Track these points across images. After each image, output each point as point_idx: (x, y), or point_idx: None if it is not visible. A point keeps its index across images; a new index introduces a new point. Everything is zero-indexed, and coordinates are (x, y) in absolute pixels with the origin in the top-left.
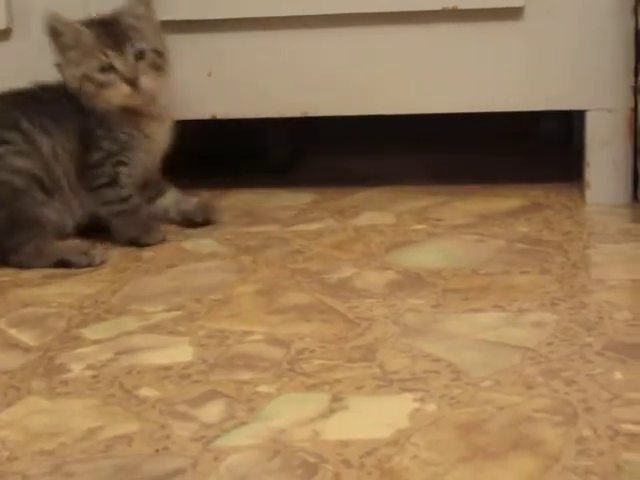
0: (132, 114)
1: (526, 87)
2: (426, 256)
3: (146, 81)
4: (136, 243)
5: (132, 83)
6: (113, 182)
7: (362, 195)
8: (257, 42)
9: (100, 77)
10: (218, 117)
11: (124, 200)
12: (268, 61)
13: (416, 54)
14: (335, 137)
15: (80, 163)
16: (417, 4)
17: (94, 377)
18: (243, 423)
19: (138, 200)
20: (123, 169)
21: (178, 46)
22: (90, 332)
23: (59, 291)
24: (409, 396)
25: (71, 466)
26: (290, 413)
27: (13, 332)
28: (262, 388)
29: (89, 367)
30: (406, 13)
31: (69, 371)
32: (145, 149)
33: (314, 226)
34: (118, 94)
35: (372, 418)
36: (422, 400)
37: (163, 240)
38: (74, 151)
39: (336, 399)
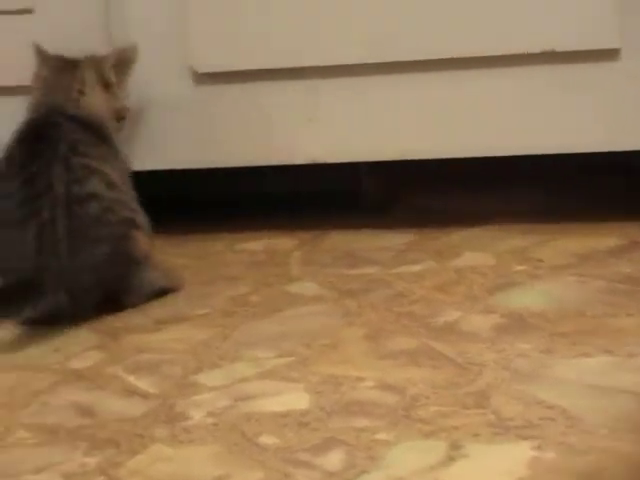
0: None
1: (623, 127)
2: (529, 298)
3: None
4: None
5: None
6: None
7: (460, 235)
8: (356, 87)
9: None
10: (318, 161)
11: None
12: (366, 106)
13: (513, 96)
14: (431, 176)
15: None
16: (516, 47)
17: (215, 425)
18: (365, 472)
19: None
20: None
21: (277, 93)
22: (206, 379)
23: (171, 337)
24: (526, 444)
25: None
26: (410, 461)
27: (131, 379)
28: (380, 436)
29: (209, 414)
30: (504, 57)
31: (190, 418)
32: None
33: (415, 268)
34: None
35: (492, 466)
36: (539, 448)
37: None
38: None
39: (454, 447)
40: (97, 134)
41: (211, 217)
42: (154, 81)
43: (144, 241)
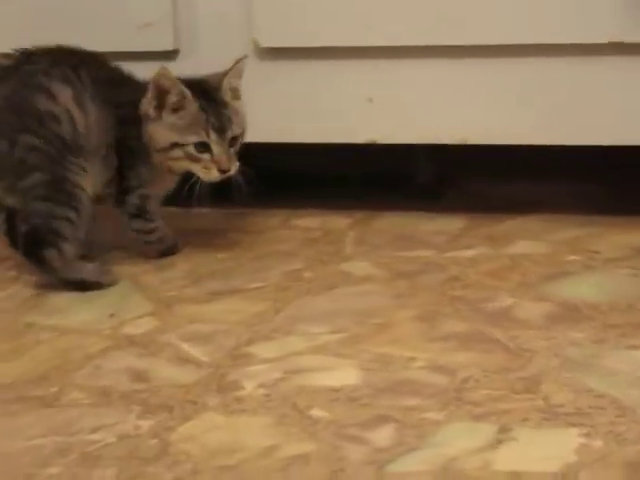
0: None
1: None
2: (582, 289)
3: (234, 169)
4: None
5: (224, 172)
6: (140, 215)
7: (514, 223)
8: (418, 69)
9: (195, 154)
10: (378, 142)
11: (149, 232)
12: (428, 88)
13: (579, 86)
14: (487, 162)
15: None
16: (584, 37)
17: (267, 396)
18: (414, 449)
19: (163, 230)
20: (149, 201)
21: (339, 71)
22: (258, 350)
23: (224, 308)
24: (575, 431)
25: None
26: (459, 441)
27: (184, 347)
28: (430, 415)
29: (261, 385)
30: (571, 45)
31: (242, 388)
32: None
33: (468, 253)
34: (206, 174)
35: (540, 451)
36: (588, 435)
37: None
38: (110, 138)
39: (503, 430)
40: None
41: (265, 193)
42: (219, 55)
43: (81, 171)
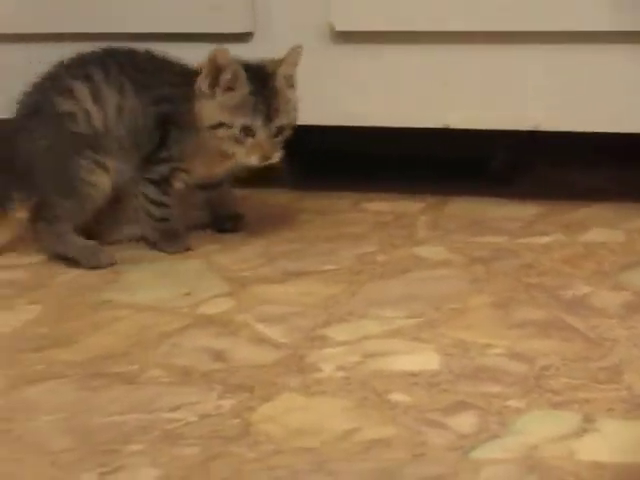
0: None
1: None
2: None
3: (276, 158)
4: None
5: (265, 159)
6: (161, 184)
7: (589, 210)
8: (493, 54)
9: (239, 136)
10: (451, 127)
11: (158, 205)
12: (503, 74)
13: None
14: (561, 149)
15: (142, 142)
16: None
17: (346, 379)
18: (496, 436)
19: (170, 213)
20: (178, 176)
21: (414, 56)
22: (335, 333)
23: (299, 290)
24: None
25: (334, 465)
26: (542, 429)
27: (261, 327)
28: (511, 402)
29: (339, 368)
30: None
31: (320, 371)
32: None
33: (543, 240)
34: (246, 159)
35: (625, 442)
36: None
37: (186, 250)
38: (140, 124)
39: (587, 420)
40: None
41: (335, 175)
42: (293, 39)
43: (94, 168)
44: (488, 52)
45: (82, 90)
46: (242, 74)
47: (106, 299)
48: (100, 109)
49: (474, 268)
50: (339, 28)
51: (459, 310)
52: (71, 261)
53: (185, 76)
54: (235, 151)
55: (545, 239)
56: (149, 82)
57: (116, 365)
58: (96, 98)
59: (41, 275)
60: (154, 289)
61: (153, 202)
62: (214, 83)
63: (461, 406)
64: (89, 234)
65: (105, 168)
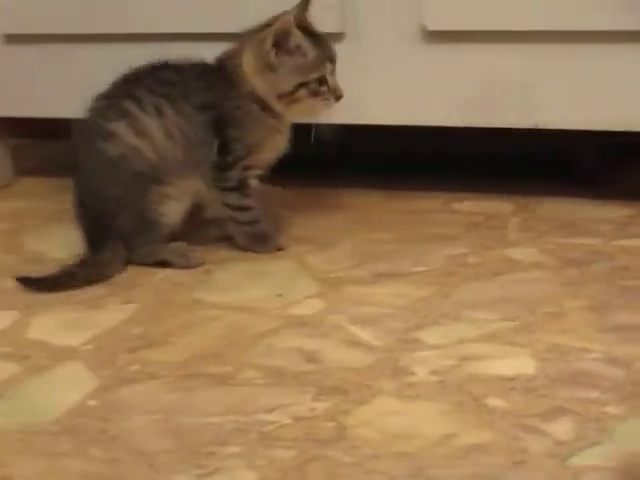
0: (270, 117)
1: None
2: None
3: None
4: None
5: (338, 98)
6: (240, 188)
7: None
8: (582, 54)
9: (317, 88)
10: (540, 127)
11: (243, 210)
12: (592, 74)
13: None
14: None
15: (202, 151)
16: None
17: (441, 382)
18: (596, 443)
19: (257, 214)
20: (252, 173)
21: (503, 55)
22: (428, 336)
23: (390, 291)
24: None
25: (432, 470)
26: None
27: (353, 330)
28: (609, 409)
29: (434, 372)
30: None
31: (414, 374)
32: (272, 150)
33: (638, 242)
34: (325, 106)
35: None
36: None
37: (277, 251)
38: (192, 137)
39: None
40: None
41: (424, 175)
42: (384, 39)
43: (162, 199)
44: (577, 52)
45: (122, 128)
46: (306, 39)
47: (199, 299)
48: (147, 140)
49: (567, 271)
50: (431, 28)
51: (554, 314)
52: (163, 263)
53: (212, 73)
54: (315, 104)
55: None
56: (182, 93)
57: (210, 366)
58: (138, 131)
59: (133, 275)
60: (246, 289)
61: (237, 208)
62: (281, 51)
63: (558, 412)
64: (178, 235)
65: (172, 197)
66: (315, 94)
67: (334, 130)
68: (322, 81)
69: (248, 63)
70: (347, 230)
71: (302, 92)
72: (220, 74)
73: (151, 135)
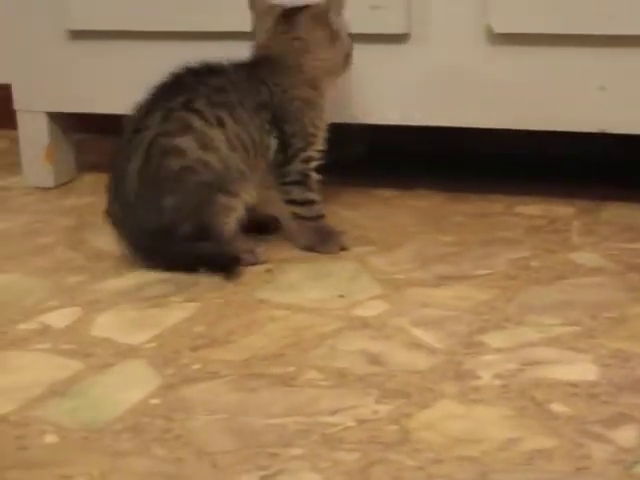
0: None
1: None
2: None
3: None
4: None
5: (348, 55)
6: (303, 181)
7: None
8: None
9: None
10: (607, 131)
11: (309, 204)
12: None
13: None
14: None
15: (259, 155)
16: None
17: (504, 387)
18: None
19: (321, 208)
20: (312, 165)
21: (572, 58)
22: (491, 339)
23: (453, 294)
24: None
25: (495, 475)
26: None
27: (417, 332)
28: None
29: (497, 376)
30: None
31: (478, 378)
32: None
33: None
34: (347, 67)
35: None
36: None
37: (341, 250)
38: (249, 145)
39: None
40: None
41: (486, 177)
42: (449, 41)
43: (227, 209)
44: None
45: (187, 144)
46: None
47: (261, 299)
48: (212, 153)
49: (630, 276)
50: (497, 30)
51: (616, 319)
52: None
53: (257, 71)
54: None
55: None
56: (237, 99)
57: (272, 366)
58: (205, 146)
59: (196, 273)
60: (308, 290)
61: (302, 203)
62: (333, 36)
63: (622, 419)
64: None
65: (236, 209)
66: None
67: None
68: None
69: (308, 43)
70: (409, 231)
71: (349, 59)
72: (267, 69)
73: (217, 148)
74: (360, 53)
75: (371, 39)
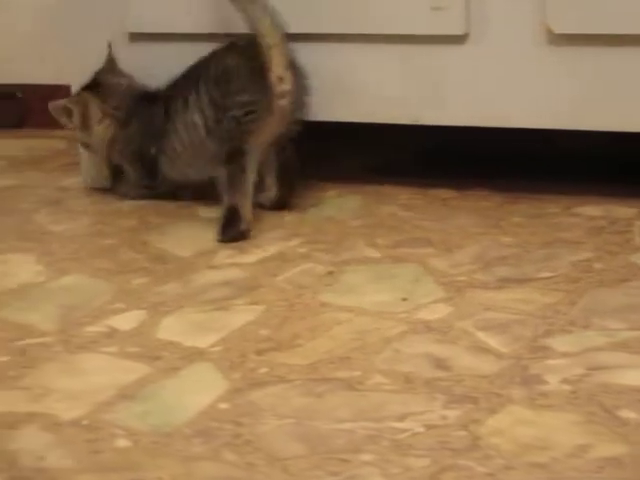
0: None
1: None
2: None
3: None
4: None
5: None
6: None
7: None
8: None
9: None
10: None
11: None
12: None
13: None
14: None
15: None
16: None
17: (572, 392)
18: None
19: None
20: None
21: (633, 59)
22: (557, 343)
23: (517, 297)
24: None
25: None
26: None
27: (481, 336)
28: None
29: (564, 381)
30: None
31: (545, 383)
32: None
33: None
34: None
35: None
36: None
37: None
38: None
39: None
40: None
41: (543, 178)
42: (508, 42)
43: None
44: None
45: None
46: None
47: (325, 302)
48: None
49: None
50: (557, 31)
51: None
52: None
53: None
54: None
55: None
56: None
57: (338, 370)
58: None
59: (257, 275)
60: (370, 293)
61: None
62: None
63: None
64: None
65: None
66: None
67: None
68: None
69: None
70: (469, 233)
71: None
72: None
73: None
74: (419, 54)
75: (429, 40)
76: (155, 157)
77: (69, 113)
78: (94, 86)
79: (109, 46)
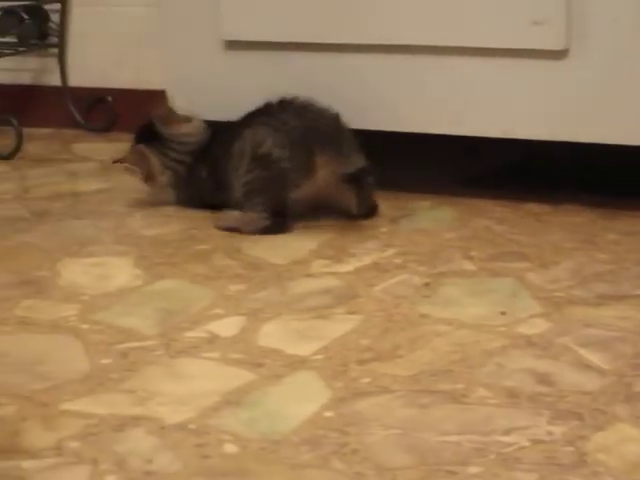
0: None
1: None
2: None
3: None
4: None
5: None
6: None
7: None
8: None
9: None
10: None
11: None
12: None
13: None
14: None
15: None
16: None
17: None
18: None
19: None
20: None
21: None
22: None
23: (616, 314)
24: None
25: None
26: None
27: (583, 352)
28: None
29: None
30: None
31: None
32: None
33: None
34: None
35: None
36: None
37: None
38: None
39: None
40: None
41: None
42: (609, 58)
43: None
44: None
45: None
46: None
47: (424, 313)
48: None
49: None
50: None
51: None
52: None
53: None
54: None
55: None
56: None
57: (441, 383)
58: None
59: (354, 285)
60: (469, 306)
61: None
62: None
63: None
64: None
65: None
66: None
67: None
68: None
69: None
70: (564, 248)
71: None
72: None
73: None
74: (515, 69)
75: (528, 55)
76: None
77: (132, 171)
78: (153, 138)
79: (165, 95)
